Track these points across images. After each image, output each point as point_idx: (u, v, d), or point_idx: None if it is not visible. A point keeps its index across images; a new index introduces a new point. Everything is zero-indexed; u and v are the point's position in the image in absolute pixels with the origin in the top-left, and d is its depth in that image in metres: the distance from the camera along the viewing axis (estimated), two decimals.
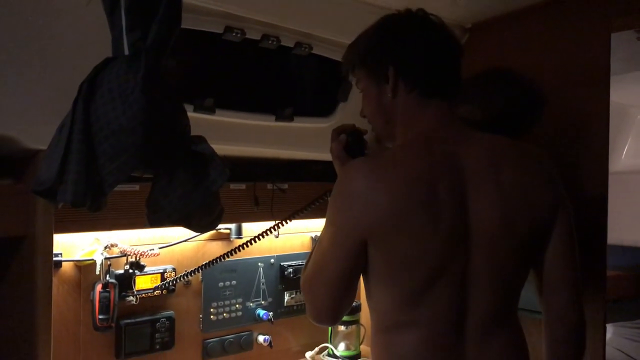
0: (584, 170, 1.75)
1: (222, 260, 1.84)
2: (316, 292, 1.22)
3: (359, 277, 1.23)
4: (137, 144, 0.97)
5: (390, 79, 1.24)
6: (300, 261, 2.23)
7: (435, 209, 1.13)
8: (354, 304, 2.23)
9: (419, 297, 1.17)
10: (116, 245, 1.76)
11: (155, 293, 1.84)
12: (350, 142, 1.41)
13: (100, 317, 1.67)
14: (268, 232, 1.86)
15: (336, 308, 1.23)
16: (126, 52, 1.02)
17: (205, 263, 1.88)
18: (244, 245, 1.86)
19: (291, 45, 1.77)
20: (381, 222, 1.12)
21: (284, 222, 1.86)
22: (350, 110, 2.01)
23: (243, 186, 1.98)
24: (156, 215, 1.06)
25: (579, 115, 1.76)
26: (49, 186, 1.01)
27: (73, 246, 1.73)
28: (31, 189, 1.07)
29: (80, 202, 0.98)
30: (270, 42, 1.70)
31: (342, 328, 2.23)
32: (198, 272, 1.90)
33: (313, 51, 1.81)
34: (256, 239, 1.84)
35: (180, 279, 1.87)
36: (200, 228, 1.16)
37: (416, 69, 1.23)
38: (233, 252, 1.83)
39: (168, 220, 1.06)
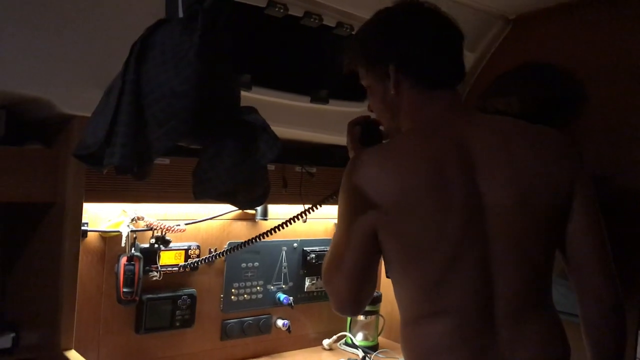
0: (626, 168, 1.70)
1: (252, 243, 1.79)
2: (335, 283, 1.20)
3: (376, 266, 1.22)
4: (187, 108, 0.93)
5: (391, 76, 1.23)
6: (323, 247, 2.19)
7: (445, 191, 1.12)
8: (375, 294, 2.21)
9: (441, 284, 1.14)
10: (142, 219, 1.72)
11: (179, 269, 1.81)
12: (365, 134, 1.40)
13: (125, 290, 1.64)
14: (300, 216, 1.81)
15: (356, 299, 1.20)
16: (181, 14, 0.98)
17: (234, 245, 1.83)
18: (277, 229, 1.80)
19: (333, 25, 1.73)
20: (392, 207, 1.12)
21: (315, 207, 1.81)
22: None
23: (272, 167, 1.94)
24: (202, 187, 1.02)
25: (626, 113, 1.71)
26: (93, 150, 0.97)
27: (98, 217, 1.70)
28: (73, 153, 1.04)
29: (128, 167, 0.94)
30: (312, 20, 1.66)
31: (361, 318, 2.20)
32: (223, 255, 1.87)
33: (354, 32, 1.76)
34: (289, 223, 1.79)
35: (204, 261, 1.84)
36: (245, 204, 1.12)
37: (416, 63, 1.22)
38: (268, 233, 1.78)
39: (214, 193, 1.02)
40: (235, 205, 1.12)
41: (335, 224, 2.23)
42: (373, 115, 1.39)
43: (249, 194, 1.07)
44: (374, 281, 1.22)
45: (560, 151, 1.21)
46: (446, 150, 1.15)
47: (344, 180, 1.20)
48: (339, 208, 1.21)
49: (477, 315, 1.15)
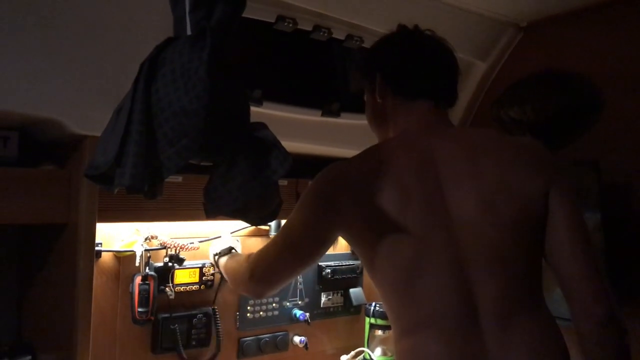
0: None
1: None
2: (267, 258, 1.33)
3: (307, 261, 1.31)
4: (198, 127, 0.93)
5: (377, 84, 1.33)
6: (338, 262, 2.17)
7: (405, 200, 1.15)
8: None
9: (417, 295, 1.16)
10: (156, 237, 1.72)
11: (194, 288, 1.80)
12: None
13: (140, 310, 1.63)
14: None
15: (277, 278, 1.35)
16: (189, 32, 0.98)
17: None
18: None
19: (342, 37, 1.73)
20: (348, 220, 1.19)
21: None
22: None
23: (285, 182, 1.93)
24: (214, 205, 1.01)
25: None
26: (104, 170, 0.97)
27: (112, 237, 1.70)
28: (84, 174, 1.03)
29: (138, 187, 0.93)
30: (321, 33, 1.66)
31: (379, 332, 2.16)
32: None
33: (364, 45, 1.76)
34: None
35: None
36: (257, 220, 1.11)
37: (396, 73, 1.32)
38: None
39: (226, 210, 1.01)
40: (248, 222, 1.11)
41: None
42: None
43: (261, 210, 1.06)
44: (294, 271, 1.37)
45: (533, 163, 1.21)
46: (409, 161, 1.20)
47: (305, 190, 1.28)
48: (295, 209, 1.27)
49: (461, 325, 1.14)
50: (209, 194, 1.01)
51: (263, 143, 1.01)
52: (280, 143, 1.02)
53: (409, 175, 1.18)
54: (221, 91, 0.94)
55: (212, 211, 1.02)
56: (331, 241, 1.27)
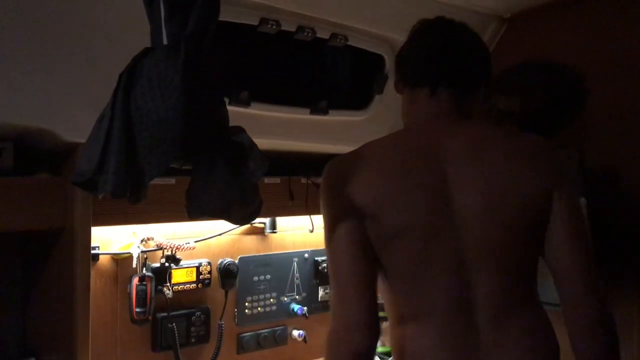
0: (630, 164, 1.69)
1: None
2: (346, 303, 1.13)
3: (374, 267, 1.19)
4: (176, 134, 0.96)
5: (395, 82, 1.36)
6: None
7: (411, 192, 1.16)
8: None
9: (414, 284, 1.17)
10: (152, 239, 1.76)
11: (191, 286, 1.84)
12: None
13: (137, 310, 1.68)
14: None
15: (370, 315, 1.12)
16: (165, 42, 1.01)
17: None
18: None
19: (326, 37, 1.75)
20: (363, 206, 1.16)
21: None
22: (386, 103, 1.98)
23: (278, 180, 1.97)
24: (195, 207, 1.05)
25: (627, 110, 1.70)
26: (89, 177, 1.00)
27: (109, 240, 1.74)
28: (71, 181, 1.07)
29: (121, 193, 0.97)
30: (305, 33, 1.69)
31: None
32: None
33: (349, 43, 1.79)
34: None
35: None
36: (239, 220, 1.14)
37: (402, 62, 1.33)
38: None
39: (208, 212, 1.05)
40: (230, 222, 1.14)
41: None
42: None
43: (242, 211, 1.10)
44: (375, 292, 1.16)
45: (537, 160, 1.21)
46: (415, 155, 1.20)
47: (320, 189, 1.25)
48: (324, 225, 1.22)
49: (457, 318, 1.16)
50: (191, 196, 1.05)
51: (241, 146, 1.05)
52: (257, 146, 1.05)
53: (415, 167, 1.18)
54: (198, 99, 0.98)
55: (195, 212, 1.06)
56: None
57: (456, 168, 1.18)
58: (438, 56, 1.27)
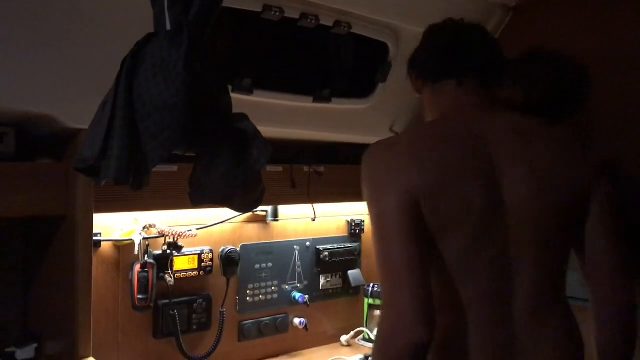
0: (632, 158, 1.68)
1: None
2: (402, 294, 1.07)
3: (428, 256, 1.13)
4: (179, 120, 0.96)
5: (412, 82, 1.36)
6: (335, 245, 2.21)
7: (463, 181, 1.13)
8: None
9: (461, 273, 1.15)
10: (154, 226, 1.76)
11: (193, 274, 1.84)
12: None
13: (139, 296, 1.68)
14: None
15: (428, 305, 1.07)
16: (168, 27, 1.00)
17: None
18: None
19: (330, 24, 1.74)
20: (420, 193, 1.11)
21: None
22: (390, 92, 1.97)
23: (280, 168, 1.96)
24: (198, 194, 1.05)
25: (632, 102, 1.69)
26: (91, 163, 1.00)
27: (111, 227, 1.74)
28: (73, 167, 1.07)
29: (124, 179, 0.97)
30: (309, 20, 1.67)
31: (378, 313, 2.21)
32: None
33: (352, 30, 1.77)
34: None
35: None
36: (242, 207, 1.14)
37: (419, 60, 1.34)
38: None
39: (210, 199, 1.05)
40: (233, 209, 1.14)
41: (347, 221, 2.25)
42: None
43: (245, 198, 1.10)
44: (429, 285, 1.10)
45: (579, 153, 1.21)
46: (463, 143, 1.17)
47: (362, 179, 1.18)
48: (370, 212, 1.16)
49: (495, 310, 1.16)
50: (194, 184, 1.05)
51: (245, 134, 1.04)
52: (260, 133, 1.05)
53: (464, 154, 1.16)
54: (201, 85, 0.97)
55: (197, 200, 1.06)
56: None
57: (501, 156, 1.17)
58: (460, 48, 1.27)
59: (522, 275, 1.16)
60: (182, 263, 1.82)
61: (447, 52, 1.29)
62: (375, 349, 1.11)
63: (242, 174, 1.04)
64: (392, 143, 1.22)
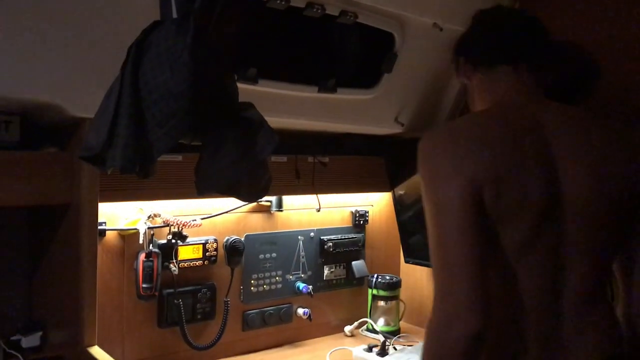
0: None
1: None
2: (458, 284, 1.05)
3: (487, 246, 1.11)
4: (185, 108, 0.95)
5: (460, 67, 1.36)
6: (339, 235, 2.20)
7: (526, 169, 1.12)
8: (394, 279, 2.23)
9: (516, 266, 1.14)
10: (159, 215, 1.76)
11: (197, 263, 1.85)
12: None
13: (144, 286, 1.68)
14: None
15: (484, 296, 1.06)
16: (174, 15, 1.00)
17: None
18: None
19: (336, 13, 1.73)
20: (483, 181, 1.09)
21: None
22: (396, 82, 1.96)
23: (284, 159, 1.96)
24: (204, 183, 1.05)
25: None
26: (97, 152, 1.00)
27: (116, 216, 1.74)
28: (79, 156, 1.07)
29: (130, 168, 0.97)
30: (314, 10, 1.66)
31: (381, 303, 2.21)
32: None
33: (358, 20, 1.76)
34: None
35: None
36: (248, 197, 1.14)
37: (472, 45, 1.33)
38: None
39: (216, 188, 1.05)
40: (239, 199, 1.14)
41: (351, 212, 2.25)
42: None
43: (251, 187, 1.09)
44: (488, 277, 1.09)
45: (627, 142, 1.21)
46: (522, 131, 1.16)
47: (420, 167, 1.16)
48: (426, 208, 1.14)
49: (548, 301, 1.16)
50: (200, 173, 1.05)
51: (251, 122, 1.04)
52: (267, 122, 1.04)
53: (523, 141, 1.14)
54: (207, 73, 0.97)
55: (203, 189, 1.06)
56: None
57: (560, 147, 1.16)
58: (517, 33, 1.28)
59: (573, 268, 1.16)
60: (186, 252, 1.82)
61: (504, 37, 1.29)
62: (427, 340, 1.09)
63: (249, 163, 1.04)
64: (452, 130, 1.21)
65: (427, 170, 1.14)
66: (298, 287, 2.09)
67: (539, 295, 1.15)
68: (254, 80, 1.66)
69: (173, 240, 1.78)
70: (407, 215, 2.27)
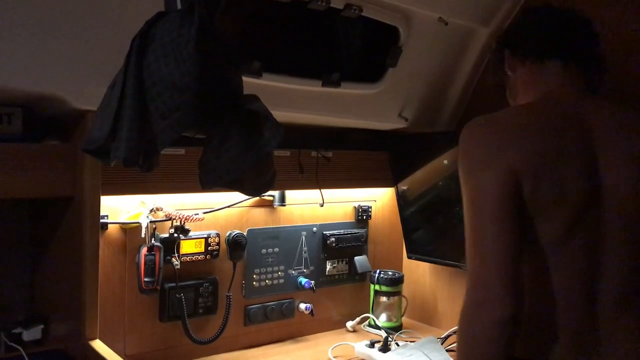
0: None
1: None
2: (491, 271, 1.07)
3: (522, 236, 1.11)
4: (190, 100, 0.94)
5: (505, 58, 1.36)
6: (342, 230, 2.20)
7: (564, 165, 1.12)
8: (397, 275, 2.22)
9: (552, 258, 1.14)
10: (161, 209, 1.75)
11: (199, 257, 1.84)
12: None
13: (146, 279, 1.68)
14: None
15: (515, 283, 1.07)
16: (179, 6, 0.99)
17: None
18: None
19: (340, 7, 1.71)
20: (523, 172, 1.11)
21: None
22: (400, 77, 1.95)
23: (287, 153, 1.95)
24: (208, 177, 1.03)
25: None
26: (100, 144, 0.99)
27: (118, 209, 1.73)
28: (82, 148, 1.06)
29: (133, 160, 0.96)
30: (319, 3, 1.65)
31: (384, 299, 2.21)
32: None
33: (363, 13, 1.75)
34: None
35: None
36: (253, 191, 1.13)
37: (520, 38, 1.33)
38: None
39: (220, 182, 1.03)
40: (243, 193, 1.13)
41: (354, 207, 2.24)
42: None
43: (255, 181, 1.08)
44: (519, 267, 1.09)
45: None
46: (565, 126, 1.17)
47: (460, 155, 1.18)
48: (465, 194, 1.15)
49: (583, 294, 1.16)
50: (204, 166, 1.04)
51: (256, 115, 1.03)
52: (272, 115, 1.03)
53: (565, 135, 1.15)
54: (211, 65, 0.96)
55: (207, 182, 1.04)
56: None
57: (602, 145, 1.16)
58: (570, 29, 1.28)
59: (610, 263, 1.16)
60: (188, 246, 1.82)
61: (556, 33, 1.29)
62: (460, 326, 1.10)
63: (253, 157, 1.02)
64: (494, 120, 1.21)
65: (466, 159, 1.16)
66: (300, 282, 2.08)
67: (572, 293, 1.15)
68: (258, 74, 1.65)
69: (175, 234, 1.77)
70: (410, 211, 2.26)
